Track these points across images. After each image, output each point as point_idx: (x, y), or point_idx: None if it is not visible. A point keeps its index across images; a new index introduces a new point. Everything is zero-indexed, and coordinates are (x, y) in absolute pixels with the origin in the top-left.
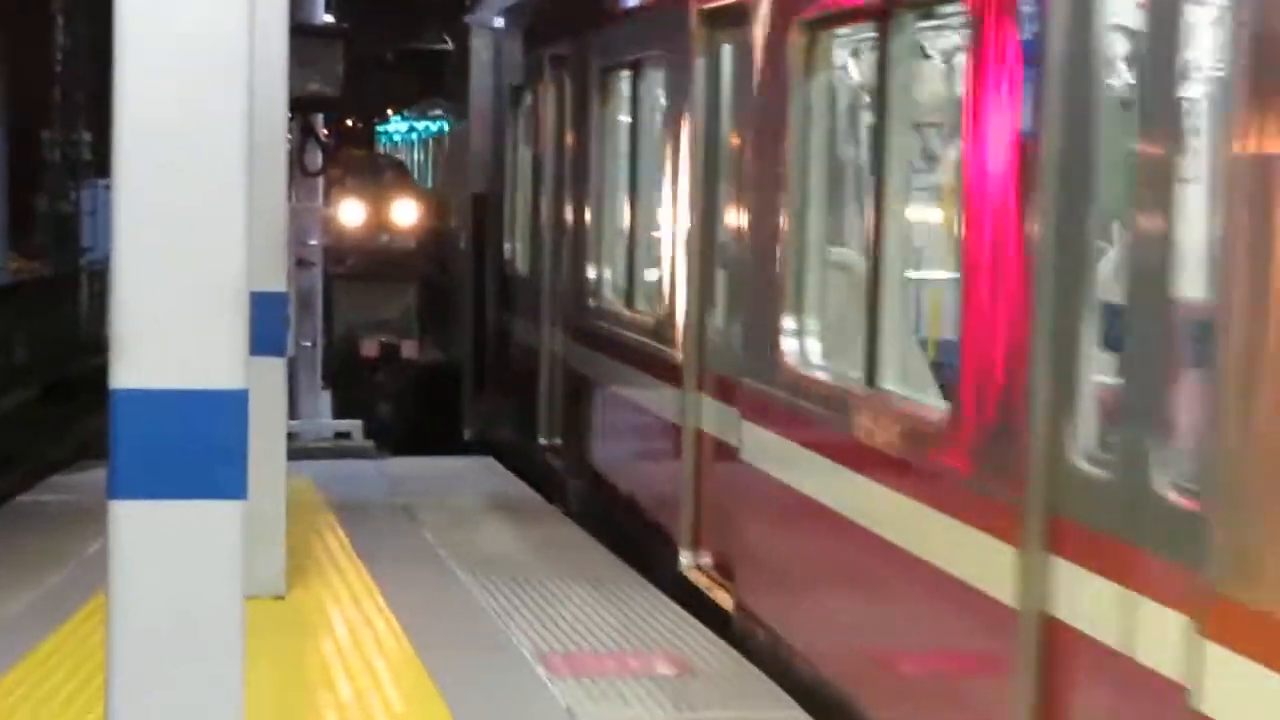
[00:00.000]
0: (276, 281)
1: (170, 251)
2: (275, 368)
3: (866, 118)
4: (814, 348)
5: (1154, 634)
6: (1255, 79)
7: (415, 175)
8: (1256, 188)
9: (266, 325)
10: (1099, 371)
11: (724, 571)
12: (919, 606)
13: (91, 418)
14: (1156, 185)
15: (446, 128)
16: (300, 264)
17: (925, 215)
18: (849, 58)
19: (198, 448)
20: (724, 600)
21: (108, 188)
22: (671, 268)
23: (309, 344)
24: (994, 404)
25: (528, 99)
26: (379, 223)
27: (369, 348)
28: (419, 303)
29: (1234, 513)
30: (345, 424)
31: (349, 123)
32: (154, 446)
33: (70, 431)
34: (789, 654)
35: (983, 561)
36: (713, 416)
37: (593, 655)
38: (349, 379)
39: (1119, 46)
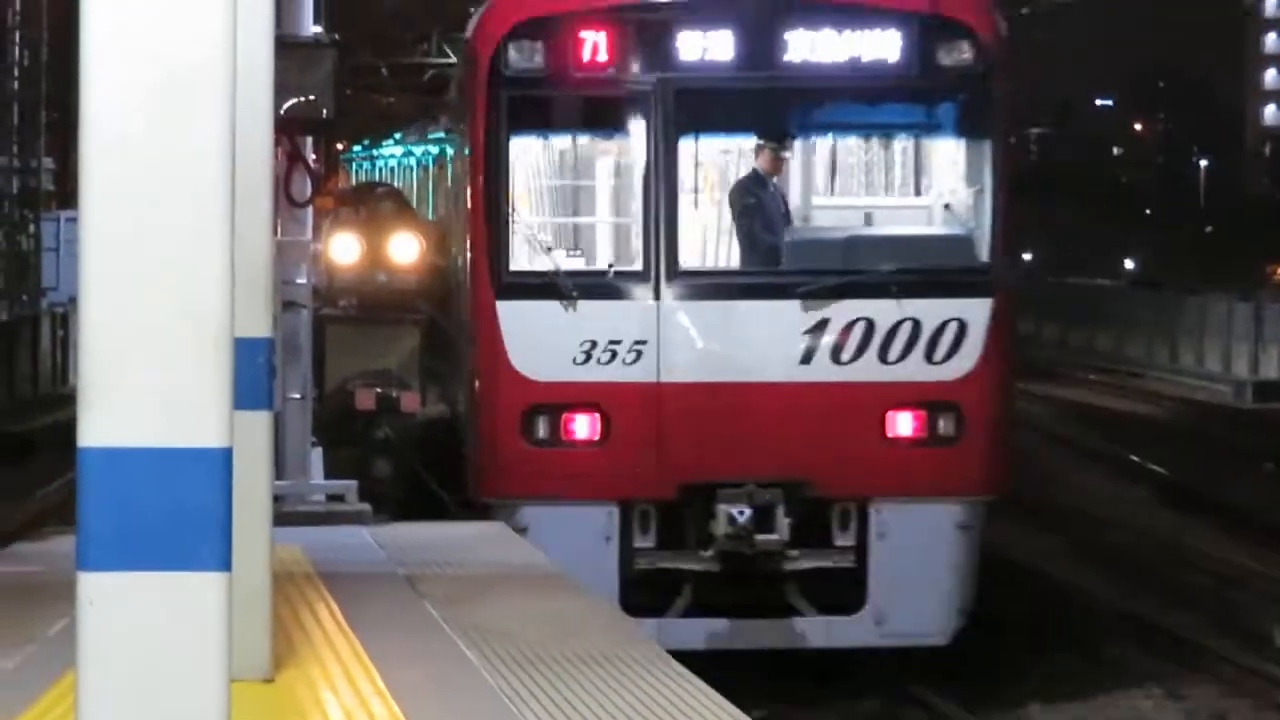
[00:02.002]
0: (261, 326)
1: (144, 292)
2: (260, 423)
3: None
4: None
5: None
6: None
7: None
8: None
9: (250, 375)
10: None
11: None
12: None
13: (56, 479)
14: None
15: (450, 150)
16: (287, 306)
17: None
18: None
19: (176, 513)
20: None
21: (73, 220)
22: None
23: (297, 396)
24: None
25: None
26: (375, 259)
27: (364, 399)
28: (421, 349)
29: None
30: (338, 485)
31: (339, 147)
32: (127, 512)
33: (31, 495)
34: None
35: None
36: None
37: None
38: (342, 435)
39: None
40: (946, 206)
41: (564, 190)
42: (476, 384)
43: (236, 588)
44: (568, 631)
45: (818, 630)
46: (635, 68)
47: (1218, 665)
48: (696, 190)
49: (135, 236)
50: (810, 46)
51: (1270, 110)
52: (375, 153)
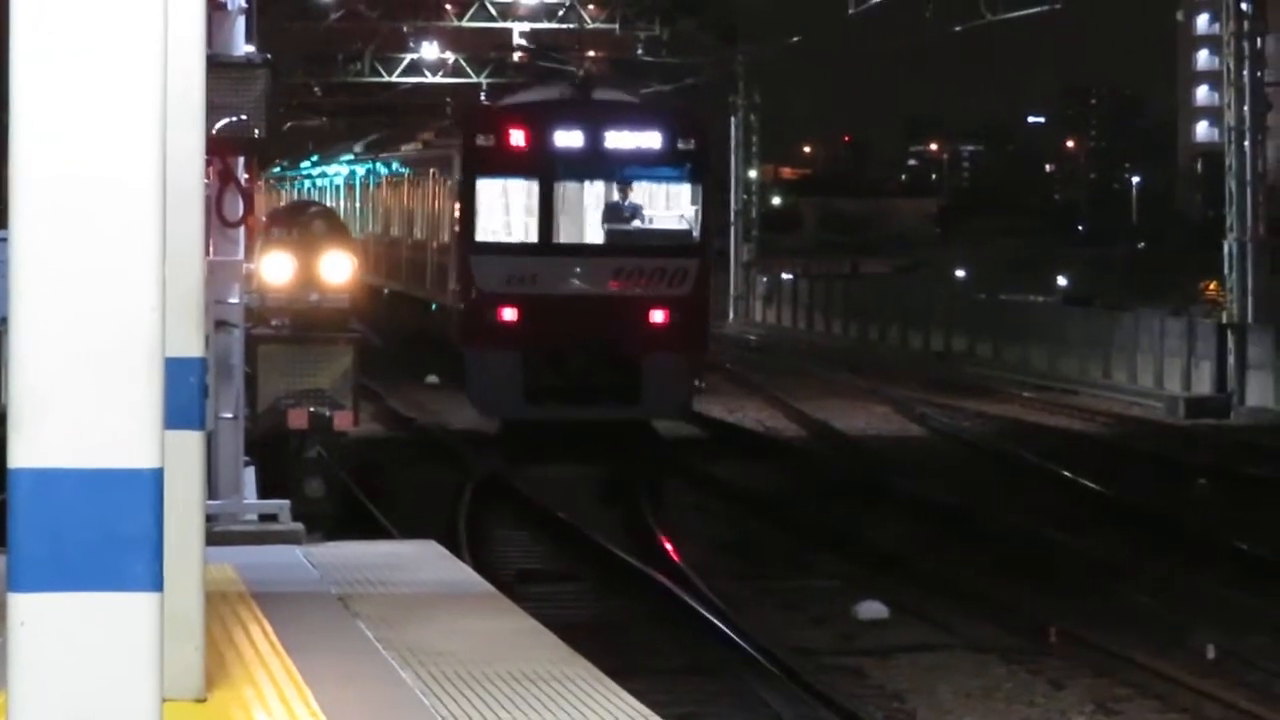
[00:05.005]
0: (193, 346)
1: (74, 312)
2: (192, 443)
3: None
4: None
5: None
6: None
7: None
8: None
9: (182, 395)
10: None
11: None
12: None
13: None
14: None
15: (366, 170)
16: (220, 326)
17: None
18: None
19: (107, 534)
20: None
21: (3, 240)
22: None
23: (230, 415)
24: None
25: None
26: (308, 279)
27: (297, 418)
28: (354, 368)
29: None
30: (271, 504)
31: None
32: (58, 533)
33: None
34: None
35: None
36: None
37: None
38: (275, 454)
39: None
40: (680, 216)
41: (505, 204)
42: (461, 293)
43: (168, 608)
44: (503, 651)
45: (618, 410)
46: (534, 145)
47: (1151, 681)
48: (561, 205)
49: (66, 257)
50: (617, 138)
51: (1201, 127)
52: (305, 171)
